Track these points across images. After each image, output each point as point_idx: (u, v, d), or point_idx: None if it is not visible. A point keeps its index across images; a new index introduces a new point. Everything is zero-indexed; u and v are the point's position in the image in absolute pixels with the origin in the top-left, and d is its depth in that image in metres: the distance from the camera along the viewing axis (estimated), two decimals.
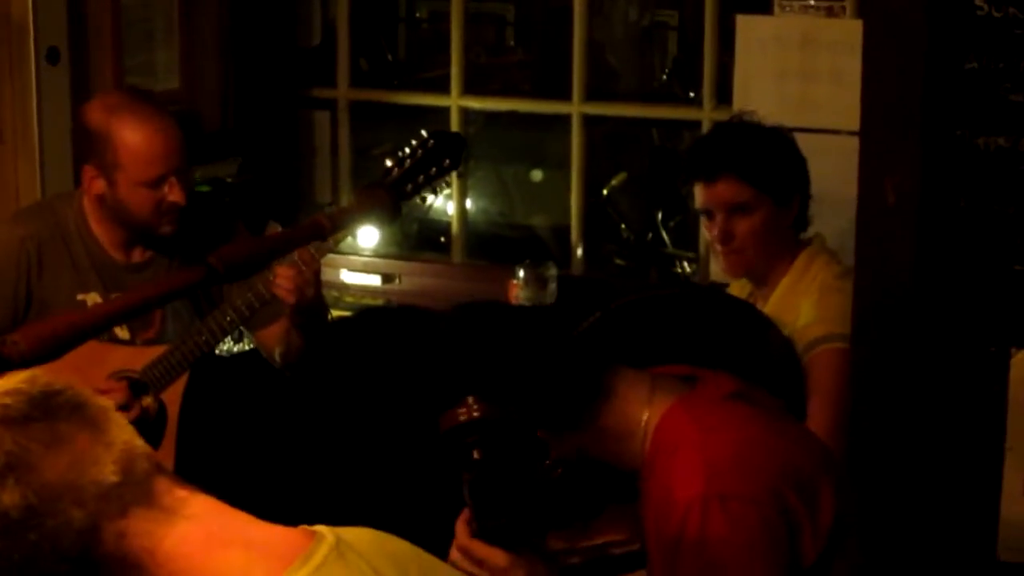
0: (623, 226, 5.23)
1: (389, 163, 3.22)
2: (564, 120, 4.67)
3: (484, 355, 2.17)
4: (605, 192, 5.15)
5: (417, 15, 5.86)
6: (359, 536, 1.52)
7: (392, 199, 3.04)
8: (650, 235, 5.13)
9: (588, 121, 4.63)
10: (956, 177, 2.66)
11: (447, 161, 3.27)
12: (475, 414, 2.10)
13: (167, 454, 3.38)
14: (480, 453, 2.09)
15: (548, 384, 2.14)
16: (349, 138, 4.97)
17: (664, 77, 5.59)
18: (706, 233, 3.25)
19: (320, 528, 1.51)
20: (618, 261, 5.10)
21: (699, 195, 3.17)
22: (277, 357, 3.52)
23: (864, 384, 2.74)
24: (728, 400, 2.16)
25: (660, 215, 5.09)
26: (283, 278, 3.24)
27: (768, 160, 3.13)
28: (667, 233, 5.05)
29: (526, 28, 5.98)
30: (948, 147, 2.65)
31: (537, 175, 5.57)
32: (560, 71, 4.74)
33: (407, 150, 3.24)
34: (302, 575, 1.43)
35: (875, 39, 2.71)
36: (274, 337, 3.52)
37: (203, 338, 3.37)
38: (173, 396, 3.40)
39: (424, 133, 3.27)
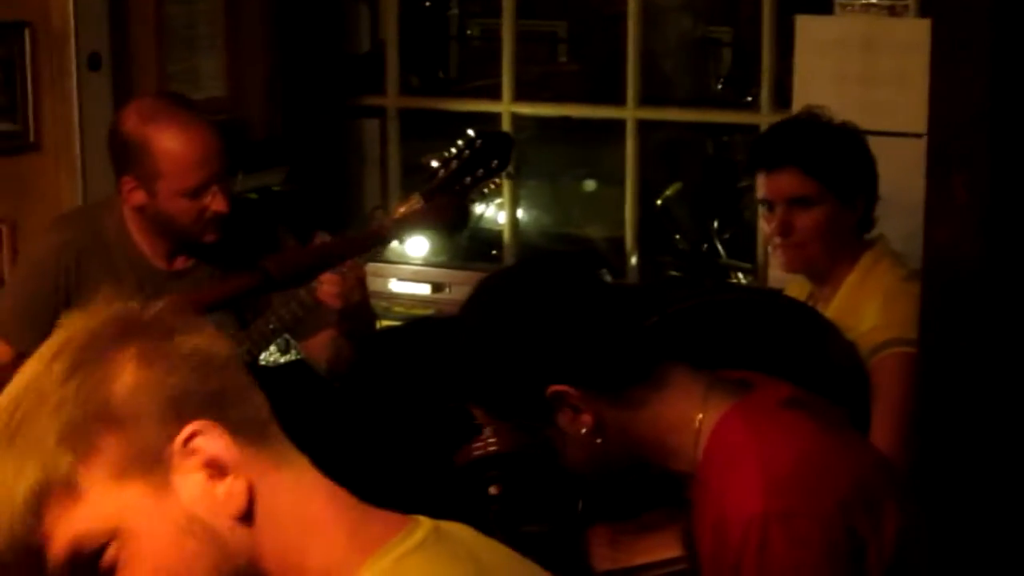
0: (678, 236, 5.23)
1: (435, 164, 3.18)
2: (618, 129, 4.60)
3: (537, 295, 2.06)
4: (659, 202, 5.15)
5: (468, 32, 5.82)
6: (456, 526, 1.53)
7: (459, 209, 3.09)
8: (705, 246, 5.12)
9: (643, 127, 4.56)
10: None
11: (495, 162, 3.20)
12: (492, 448, 1.98)
13: None
14: (498, 489, 1.97)
15: (598, 335, 2.03)
16: (398, 147, 4.91)
17: (719, 87, 5.58)
18: (765, 227, 3.15)
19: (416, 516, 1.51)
20: (673, 272, 5.07)
21: (760, 185, 3.08)
22: (325, 366, 3.45)
23: (930, 392, 2.62)
24: (786, 407, 2.05)
25: (715, 226, 5.08)
26: (329, 283, 3.15)
27: (834, 155, 3.05)
28: (722, 244, 5.04)
29: (578, 43, 5.95)
30: (1019, 143, 2.54)
31: (591, 185, 5.53)
32: (613, 81, 4.69)
33: (453, 151, 3.19)
34: (401, 550, 1.43)
35: (943, 34, 2.60)
36: (321, 346, 3.44)
37: (245, 348, 3.29)
38: None
39: (471, 132, 3.22)
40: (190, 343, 1.41)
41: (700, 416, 2.04)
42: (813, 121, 3.12)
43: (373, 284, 4.48)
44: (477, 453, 2.00)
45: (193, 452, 1.38)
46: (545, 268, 2.13)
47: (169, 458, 1.38)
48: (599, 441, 2.03)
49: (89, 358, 1.39)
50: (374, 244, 2.13)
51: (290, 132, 4.67)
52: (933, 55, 2.62)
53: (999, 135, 2.56)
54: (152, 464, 1.37)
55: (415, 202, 3.22)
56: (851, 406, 2.69)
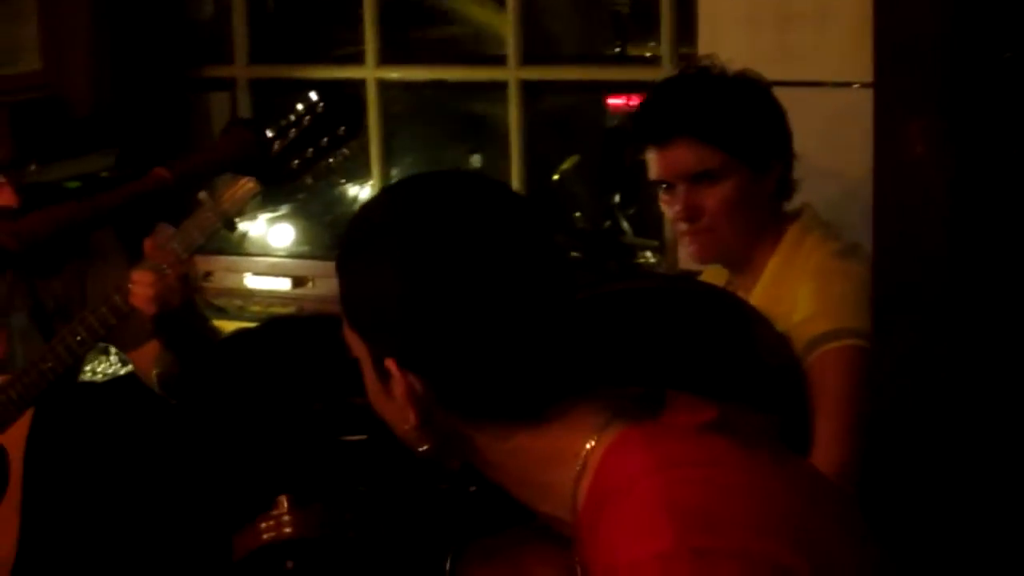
0: (577, 214, 5.03)
1: (269, 133, 2.78)
2: (501, 94, 4.21)
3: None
4: (556, 177, 4.96)
5: None
6: None
7: (259, 142, 2.74)
8: (607, 223, 4.91)
9: (528, 90, 4.16)
10: (1004, 114, 2.12)
11: (342, 128, 2.80)
12: (287, 530, 1.44)
13: (9, 509, 2.90)
14: None
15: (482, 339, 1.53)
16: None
17: (617, 48, 5.28)
18: (666, 211, 2.72)
19: None
20: (572, 253, 4.74)
21: (653, 164, 2.67)
22: (155, 380, 3.07)
23: (888, 393, 2.27)
24: (704, 432, 1.62)
25: (617, 200, 4.88)
26: (140, 285, 2.75)
27: (735, 115, 2.63)
28: (627, 220, 4.83)
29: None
30: (991, 75, 2.12)
31: (476, 161, 5.23)
32: (492, 44, 4.41)
33: (291, 117, 2.78)
34: None
35: None
36: (148, 358, 3.08)
37: (48, 365, 2.88)
38: (14, 439, 2.91)
39: (313, 95, 2.80)
40: None
41: (590, 444, 1.58)
42: (703, 76, 2.70)
43: (224, 280, 4.16)
44: (266, 537, 1.44)
45: None
46: (468, 197, 1.60)
47: None
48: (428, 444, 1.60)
49: None
50: (156, 194, 1.75)
51: (120, 109, 4.25)
52: None
53: (962, 70, 2.15)
54: None
55: (247, 183, 2.81)
56: (785, 412, 2.37)
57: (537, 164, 4.37)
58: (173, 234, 2.73)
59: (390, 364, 1.56)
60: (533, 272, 1.56)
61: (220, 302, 4.15)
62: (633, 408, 1.63)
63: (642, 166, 2.75)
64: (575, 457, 1.59)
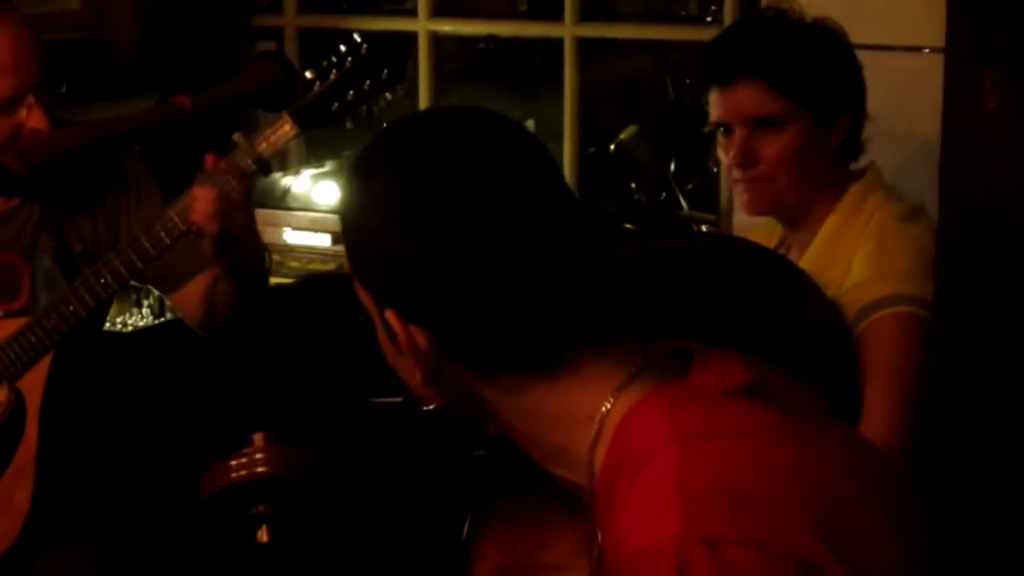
0: (633, 185, 4.87)
1: (309, 75, 2.72)
2: (558, 56, 4.11)
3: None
4: (613, 147, 4.79)
5: None
6: None
7: (287, 74, 2.68)
8: (664, 195, 4.77)
9: (584, 48, 4.07)
10: None
11: (386, 72, 2.72)
12: (259, 469, 1.33)
13: (25, 459, 2.79)
14: (269, 534, 1.31)
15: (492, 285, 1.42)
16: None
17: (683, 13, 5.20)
18: (722, 158, 2.61)
19: None
20: (627, 225, 4.62)
21: (714, 105, 2.56)
22: (202, 318, 2.96)
23: (949, 366, 2.11)
24: (733, 394, 1.48)
25: (673, 170, 4.74)
26: (203, 200, 2.64)
27: (808, 61, 2.51)
28: (683, 195, 4.72)
29: None
30: None
31: (530, 125, 5.07)
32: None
33: (333, 58, 2.72)
34: None
35: None
36: (196, 296, 2.95)
37: (70, 309, 2.75)
38: (32, 385, 2.79)
39: (356, 37, 2.73)
40: None
41: (606, 406, 1.46)
42: (780, 19, 2.59)
43: (263, 234, 4.01)
44: (238, 475, 1.31)
45: None
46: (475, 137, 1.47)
47: None
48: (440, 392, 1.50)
49: None
50: (174, 121, 1.69)
51: (163, 54, 4.20)
52: None
53: None
54: None
55: (284, 125, 2.71)
56: (831, 384, 2.13)
57: (595, 133, 4.31)
58: (241, 148, 2.65)
59: (391, 316, 1.45)
60: (536, 214, 1.44)
61: None
62: (656, 366, 1.51)
63: (704, 141, 2.66)
64: (590, 420, 1.47)
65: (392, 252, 1.42)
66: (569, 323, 1.46)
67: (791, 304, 2.25)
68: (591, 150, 4.42)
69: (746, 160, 2.52)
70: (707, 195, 4.45)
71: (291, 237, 4.15)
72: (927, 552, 1.50)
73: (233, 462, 1.38)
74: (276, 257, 3.99)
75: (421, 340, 1.44)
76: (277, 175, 4.13)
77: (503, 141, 1.46)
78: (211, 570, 1.54)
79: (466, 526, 1.76)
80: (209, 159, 2.64)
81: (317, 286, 3.83)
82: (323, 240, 4.09)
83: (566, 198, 1.49)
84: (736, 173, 2.54)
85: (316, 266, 4.12)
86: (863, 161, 2.62)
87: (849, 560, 1.38)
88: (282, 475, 1.39)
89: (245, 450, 1.40)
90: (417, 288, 1.42)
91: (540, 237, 1.43)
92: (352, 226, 1.49)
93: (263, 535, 1.41)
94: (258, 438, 1.39)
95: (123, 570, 2.81)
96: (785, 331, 2.19)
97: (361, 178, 1.48)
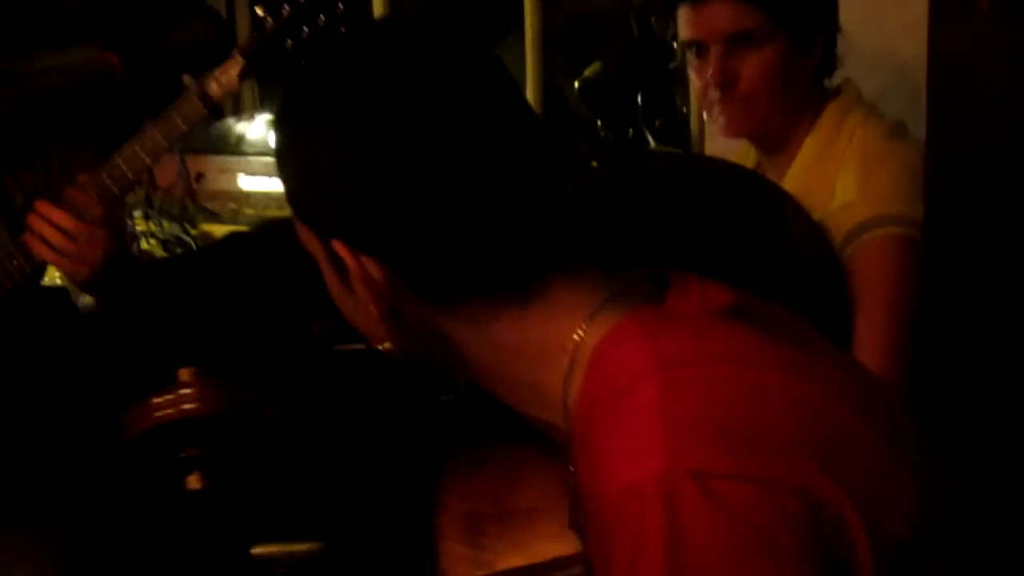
0: (599, 123, 4.85)
1: (260, 11, 2.65)
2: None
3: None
4: (576, 84, 4.79)
5: None
6: None
7: (219, 32, 2.73)
8: (631, 131, 4.77)
9: None
10: None
11: (340, 6, 2.64)
12: (186, 406, 1.22)
13: None
14: (201, 481, 1.21)
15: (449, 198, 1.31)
16: (250, 13, 4.27)
17: None
18: (695, 80, 2.54)
19: None
20: (593, 163, 4.57)
21: (686, 24, 2.49)
22: None
23: (942, 288, 2.02)
24: (717, 318, 1.38)
25: (639, 103, 4.72)
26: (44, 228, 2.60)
27: None
28: (651, 133, 4.69)
29: None
30: None
31: None
32: None
33: None
34: None
35: None
36: None
37: (13, 264, 2.67)
38: None
39: None
40: None
41: (578, 335, 1.35)
42: None
43: (217, 181, 4.02)
44: (163, 414, 1.19)
45: None
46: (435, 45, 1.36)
47: None
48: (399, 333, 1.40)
49: None
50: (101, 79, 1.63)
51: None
52: None
53: None
54: None
55: (235, 66, 2.63)
56: (818, 311, 2.12)
57: (558, 69, 4.25)
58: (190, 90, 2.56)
59: (340, 248, 1.33)
60: (494, 121, 1.32)
61: (212, 205, 3.96)
62: (632, 292, 1.40)
63: (670, 78, 2.58)
64: (562, 351, 1.36)
65: (335, 169, 1.30)
66: (536, 243, 1.35)
67: (773, 225, 2.20)
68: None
69: (725, 79, 2.46)
70: (675, 133, 4.39)
71: (246, 183, 4.06)
72: (941, 485, 1.40)
73: (157, 399, 1.26)
74: (231, 205, 3.97)
75: (374, 271, 1.33)
76: (231, 120, 4.04)
77: (450, 43, 1.35)
78: (139, 523, 1.42)
79: (425, 474, 1.67)
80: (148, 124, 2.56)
81: (274, 232, 3.82)
82: (279, 186, 3.98)
83: (526, 111, 1.38)
84: (714, 94, 2.48)
85: (272, 213, 4.00)
86: (836, 79, 2.57)
87: (858, 494, 1.27)
88: (213, 413, 1.27)
89: (170, 388, 1.28)
90: (365, 206, 1.29)
91: (499, 146, 1.31)
92: (287, 150, 1.37)
93: (195, 481, 1.29)
94: (184, 373, 1.27)
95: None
96: (767, 255, 2.13)
97: (296, 94, 1.36)
